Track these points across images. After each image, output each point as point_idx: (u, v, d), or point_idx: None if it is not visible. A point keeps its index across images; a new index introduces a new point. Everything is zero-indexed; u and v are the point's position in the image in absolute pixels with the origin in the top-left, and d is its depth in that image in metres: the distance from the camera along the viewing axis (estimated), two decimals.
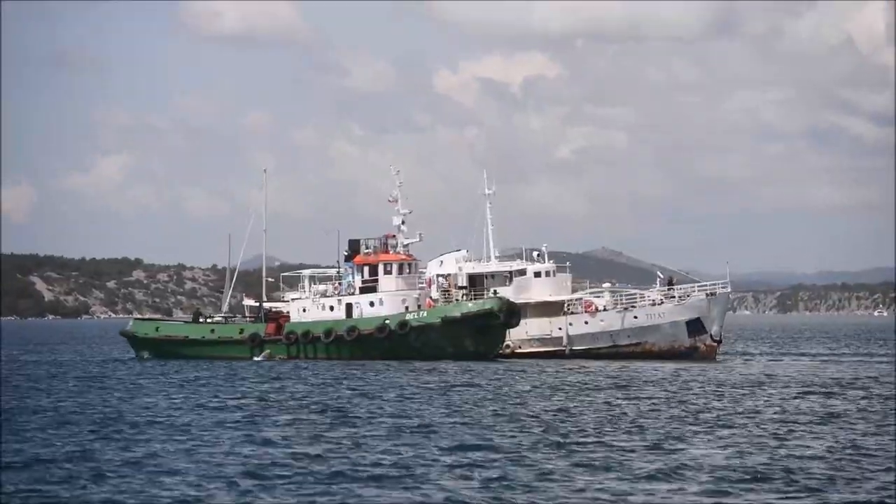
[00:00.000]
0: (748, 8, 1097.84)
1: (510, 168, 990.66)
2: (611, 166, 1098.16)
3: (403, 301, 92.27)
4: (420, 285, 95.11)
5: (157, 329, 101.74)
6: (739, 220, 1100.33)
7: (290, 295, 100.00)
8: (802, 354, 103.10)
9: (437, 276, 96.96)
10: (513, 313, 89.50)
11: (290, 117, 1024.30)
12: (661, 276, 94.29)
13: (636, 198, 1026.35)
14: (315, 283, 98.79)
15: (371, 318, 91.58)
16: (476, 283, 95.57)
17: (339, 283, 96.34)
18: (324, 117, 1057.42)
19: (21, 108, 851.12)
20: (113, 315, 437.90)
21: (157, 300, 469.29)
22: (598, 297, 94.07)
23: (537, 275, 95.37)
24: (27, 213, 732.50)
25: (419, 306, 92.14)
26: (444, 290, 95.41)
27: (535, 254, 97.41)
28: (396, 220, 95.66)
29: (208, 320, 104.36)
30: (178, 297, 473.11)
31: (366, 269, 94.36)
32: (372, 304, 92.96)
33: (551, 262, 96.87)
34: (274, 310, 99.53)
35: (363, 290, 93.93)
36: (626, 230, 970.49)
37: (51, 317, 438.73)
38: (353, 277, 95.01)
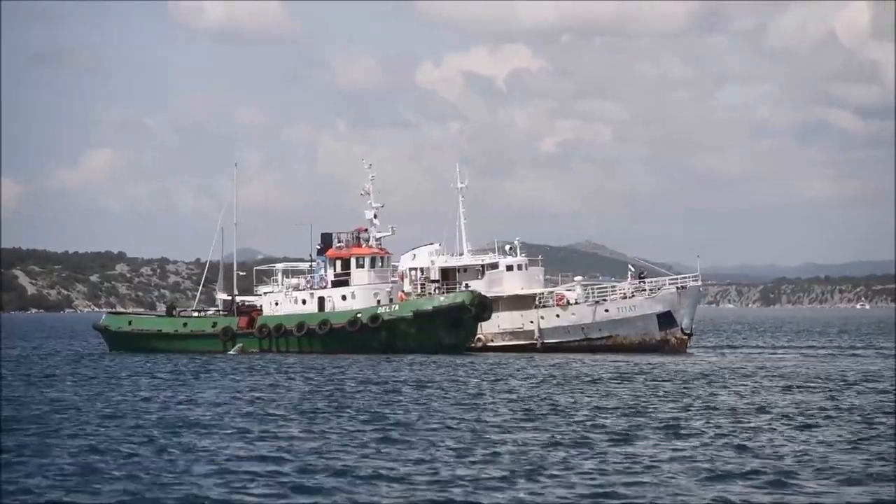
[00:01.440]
0: (735, 3, 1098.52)
1: (495, 162, 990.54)
2: (596, 161, 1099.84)
3: (375, 295, 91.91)
4: (393, 279, 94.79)
5: (129, 323, 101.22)
6: (724, 214, 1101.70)
7: (262, 289, 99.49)
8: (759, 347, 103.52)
9: (410, 269, 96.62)
10: (484, 307, 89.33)
11: (278, 114, 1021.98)
12: (633, 269, 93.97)
13: (621, 192, 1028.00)
14: (288, 277, 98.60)
15: (343, 312, 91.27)
16: (448, 276, 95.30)
17: (312, 277, 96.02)
18: (311, 114, 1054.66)
19: (5, 104, 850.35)
20: (96, 309, 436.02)
21: (141, 294, 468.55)
22: (571, 290, 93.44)
23: (509, 268, 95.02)
24: (10, 208, 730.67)
25: (391, 300, 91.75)
26: (417, 284, 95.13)
27: (507, 247, 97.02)
28: (369, 214, 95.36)
29: (181, 314, 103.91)
30: (162, 290, 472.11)
31: (338, 262, 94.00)
32: (344, 297, 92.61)
33: (524, 255, 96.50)
34: (247, 304, 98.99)
35: (335, 284, 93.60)
36: (611, 224, 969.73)
37: (33, 310, 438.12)
38: (326, 271, 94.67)
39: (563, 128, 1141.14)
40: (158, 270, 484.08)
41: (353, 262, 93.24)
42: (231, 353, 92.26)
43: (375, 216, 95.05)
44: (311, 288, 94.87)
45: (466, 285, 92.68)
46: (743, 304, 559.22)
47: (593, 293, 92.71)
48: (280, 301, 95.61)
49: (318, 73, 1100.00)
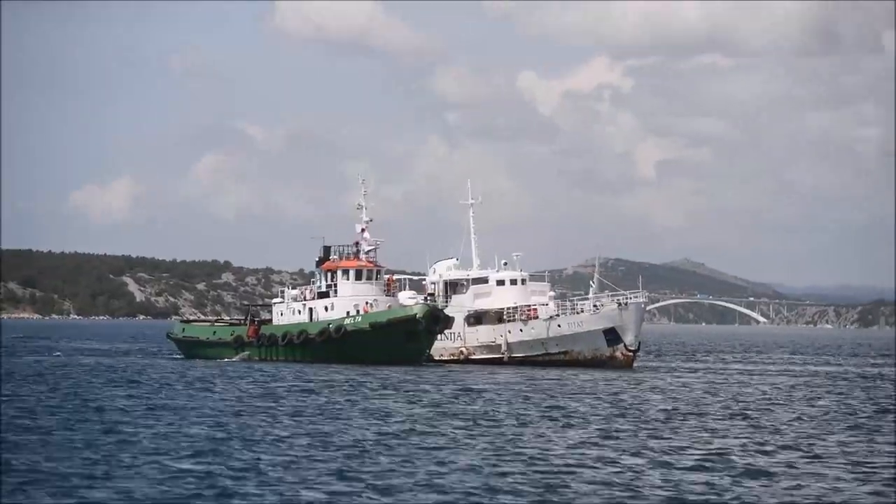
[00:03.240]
0: (843, 22, 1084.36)
1: (594, 179, 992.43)
2: (697, 179, 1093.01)
3: (355, 306, 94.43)
4: (390, 293, 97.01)
5: (183, 330, 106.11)
6: (825, 233, 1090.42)
7: (276, 299, 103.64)
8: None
9: (431, 282, 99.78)
10: (437, 320, 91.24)
11: (379, 124, 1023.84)
12: (593, 284, 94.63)
13: (720, 210, 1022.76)
14: (291, 289, 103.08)
15: (318, 323, 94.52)
16: (456, 289, 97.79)
17: (313, 288, 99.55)
18: (412, 125, 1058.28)
19: (123, 112, 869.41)
20: (202, 316, 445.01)
21: (246, 302, 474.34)
22: (546, 304, 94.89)
23: (500, 283, 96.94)
24: (125, 215, 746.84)
25: (358, 312, 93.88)
26: (428, 296, 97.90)
27: (503, 262, 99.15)
28: (358, 227, 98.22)
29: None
30: (266, 299, 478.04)
31: (329, 274, 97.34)
32: (326, 308, 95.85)
33: (522, 270, 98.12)
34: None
35: (320, 295, 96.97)
36: (710, 242, 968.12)
37: (141, 317, 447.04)
38: (320, 283, 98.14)
39: (661, 145, 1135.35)
40: (263, 280, 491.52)
41: (339, 274, 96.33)
42: (235, 359, 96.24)
43: (363, 230, 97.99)
44: (304, 299, 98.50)
45: (438, 299, 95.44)
46: (841, 326, 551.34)
47: (563, 308, 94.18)
48: (283, 312, 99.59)
49: (419, 84, 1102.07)
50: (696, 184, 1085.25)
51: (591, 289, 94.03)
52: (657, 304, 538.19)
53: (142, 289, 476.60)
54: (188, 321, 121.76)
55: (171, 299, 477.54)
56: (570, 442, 40.91)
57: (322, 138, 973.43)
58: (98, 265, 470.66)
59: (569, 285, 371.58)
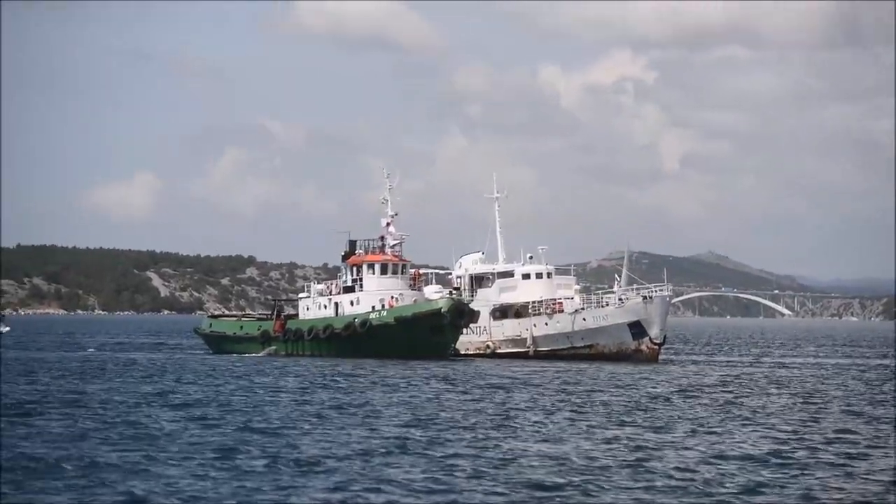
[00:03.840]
0: (864, 15, 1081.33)
1: (617, 172, 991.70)
2: (719, 171, 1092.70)
3: (381, 300, 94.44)
4: (416, 287, 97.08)
5: (210, 325, 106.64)
6: (849, 225, 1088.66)
7: (302, 294, 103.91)
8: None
9: (457, 276, 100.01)
10: (462, 314, 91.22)
11: (398, 120, 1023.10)
12: (618, 277, 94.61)
13: (743, 203, 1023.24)
14: (317, 283, 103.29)
15: (344, 317, 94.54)
16: (482, 283, 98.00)
17: (340, 283, 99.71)
18: (429, 122, 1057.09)
19: (123, 113, 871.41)
20: (226, 311, 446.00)
21: (269, 297, 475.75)
22: (571, 298, 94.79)
23: (526, 277, 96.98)
24: (147, 211, 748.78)
25: (383, 306, 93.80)
26: (453, 290, 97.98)
27: (529, 256, 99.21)
28: (384, 222, 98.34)
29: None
30: (290, 294, 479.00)
31: (354, 269, 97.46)
32: (352, 303, 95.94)
33: (547, 264, 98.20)
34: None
35: (346, 290, 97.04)
36: (734, 235, 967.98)
37: (166, 312, 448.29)
38: (346, 277, 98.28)
39: (684, 138, 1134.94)
40: (287, 275, 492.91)
41: (364, 268, 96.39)
42: (261, 354, 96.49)
43: (388, 224, 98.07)
44: (330, 294, 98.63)
45: (472, 292, 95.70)
46: (866, 318, 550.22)
47: (589, 301, 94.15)
48: (310, 306, 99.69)
49: (435, 81, 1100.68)
50: (719, 177, 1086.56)
51: (616, 282, 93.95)
52: (681, 298, 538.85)
53: (166, 284, 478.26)
54: (215, 316, 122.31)
55: (196, 294, 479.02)
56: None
57: (342, 135, 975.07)
58: (122, 261, 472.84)
59: (593, 279, 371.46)
